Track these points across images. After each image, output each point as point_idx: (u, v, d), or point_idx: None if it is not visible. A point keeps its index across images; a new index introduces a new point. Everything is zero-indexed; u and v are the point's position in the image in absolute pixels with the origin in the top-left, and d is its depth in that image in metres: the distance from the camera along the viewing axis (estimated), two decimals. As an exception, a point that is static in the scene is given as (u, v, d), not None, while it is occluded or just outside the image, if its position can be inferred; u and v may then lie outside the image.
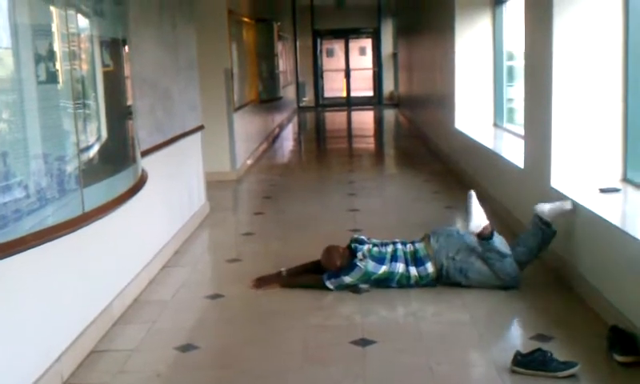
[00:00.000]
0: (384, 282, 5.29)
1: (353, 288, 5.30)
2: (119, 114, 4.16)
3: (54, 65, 3.22)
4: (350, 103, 27.76)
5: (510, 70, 9.51)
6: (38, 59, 3.07)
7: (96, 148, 3.69)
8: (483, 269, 5.13)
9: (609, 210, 4.83)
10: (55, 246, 3.41)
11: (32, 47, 3.03)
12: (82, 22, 3.60)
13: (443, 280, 5.23)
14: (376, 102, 27.42)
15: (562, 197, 5.40)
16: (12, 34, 2.89)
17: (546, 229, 5.22)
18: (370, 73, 29.25)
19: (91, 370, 4.19)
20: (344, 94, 29.30)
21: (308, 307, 5.06)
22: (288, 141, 17.18)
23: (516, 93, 9.05)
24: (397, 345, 4.41)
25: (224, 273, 6.16)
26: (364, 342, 4.41)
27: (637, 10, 5.26)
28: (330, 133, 19.89)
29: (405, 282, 5.26)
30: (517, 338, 4.52)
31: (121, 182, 4.02)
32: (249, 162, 12.10)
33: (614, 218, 4.65)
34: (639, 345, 3.96)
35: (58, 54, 3.24)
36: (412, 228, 6.60)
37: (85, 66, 3.57)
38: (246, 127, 12.27)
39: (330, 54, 33.66)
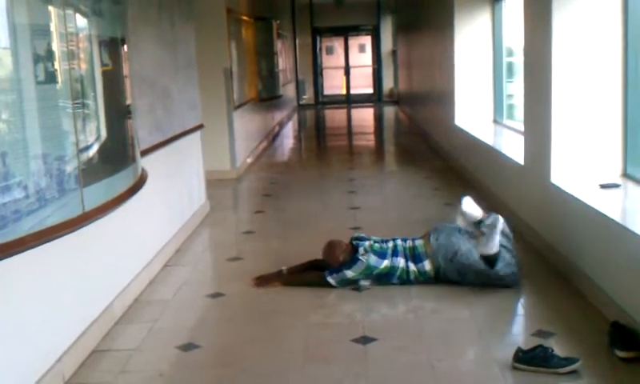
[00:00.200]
0: (385, 278, 5.29)
1: (354, 285, 5.30)
2: (118, 113, 4.16)
3: (53, 65, 3.21)
4: (349, 101, 27.75)
5: (510, 66, 9.50)
6: (37, 59, 3.06)
7: (95, 147, 3.68)
8: (481, 269, 5.11)
9: (609, 205, 4.83)
10: (55, 246, 3.41)
11: (30, 47, 3.02)
12: (81, 21, 3.59)
13: (441, 278, 5.23)
14: (376, 99, 27.40)
15: (562, 192, 5.40)
16: (10, 34, 2.88)
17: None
18: (370, 70, 29.23)
19: (93, 369, 4.19)
20: (344, 92, 29.28)
21: (309, 305, 5.07)
22: (288, 139, 17.18)
23: (516, 89, 9.04)
24: (398, 342, 4.41)
25: (225, 271, 6.16)
26: (365, 340, 4.41)
27: (636, 5, 5.26)
28: (330, 130, 19.88)
29: (405, 278, 5.26)
30: (518, 334, 4.52)
31: (120, 181, 4.01)
32: (249, 160, 12.10)
33: (615, 214, 4.65)
34: (640, 340, 3.97)
35: (57, 54, 3.24)
36: (413, 225, 6.61)
37: (84, 66, 3.57)
38: (246, 125, 12.27)
39: (330, 51, 33.65)
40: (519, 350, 3.93)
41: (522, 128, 6.98)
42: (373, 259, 5.27)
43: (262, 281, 5.48)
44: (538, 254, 5.87)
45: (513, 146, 7.58)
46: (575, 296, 4.93)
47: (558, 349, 3.99)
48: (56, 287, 4.06)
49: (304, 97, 27.08)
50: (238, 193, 10.11)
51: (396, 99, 24.96)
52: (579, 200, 5.08)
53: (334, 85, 30.52)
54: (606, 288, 4.59)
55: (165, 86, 6.66)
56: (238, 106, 11.29)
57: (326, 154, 14.90)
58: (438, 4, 11.87)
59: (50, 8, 3.24)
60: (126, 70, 4.31)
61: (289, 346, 4.42)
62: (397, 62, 24.96)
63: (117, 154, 4.09)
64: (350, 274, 5.27)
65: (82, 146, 3.46)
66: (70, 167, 3.31)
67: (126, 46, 4.34)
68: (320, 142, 17.41)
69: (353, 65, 29.60)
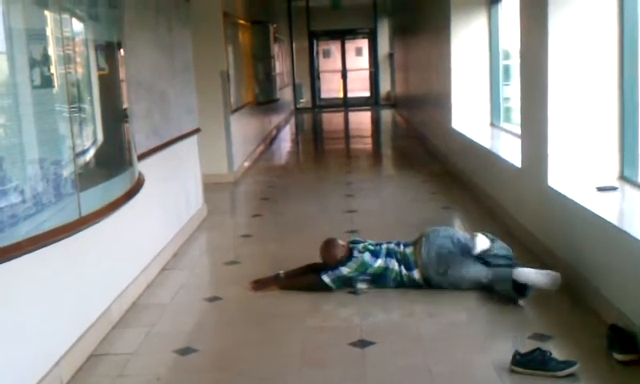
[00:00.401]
0: (380, 279, 5.29)
1: (350, 286, 5.30)
2: (115, 117, 4.15)
3: (49, 69, 3.20)
4: (346, 104, 27.76)
5: (507, 69, 9.51)
6: (33, 63, 3.06)
7: (92, 152, 3.68)
8: (474, 279, 5.10)
9: (606, 208, 4.83)
10: (52, 251, 3.40)
11: (27, 51, 3.02)
12: (77, 25, 3.58)
13: (434, 287, 5.21)
14: (373, 102, 27.42)
15: (559, 195, 5.40)
16: (6, 39, 2.88)
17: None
18: (367, 73, 29.25)
19: (90, 374, 4.18)
20: (341, 95, 29.30)
21: (306, 309, 5.06)
22: (285, 142, 17.18)
23: (512, 92, 9.05)
24: (395, 346, 4.41)
25: (222, 275, 6.16)
26: (363, 344, 4.41)
27: (632, 8, 5.26)
28: (328, 134, 19.89)
29: (400, 280, 5.26)
30: (515, 337, 4.52)
31: (117, 185, 4.00)
32: (246, 164, 12.10)
33: (612, 217, 4.65)
34: (638, 343, 3.96)
35: (53, 58, 3.23)
36: (410, 229, 6.60)
37: (80, 70, 3.56)
38: (243, 129, 12.27)
39: (327, 55, 33.65)
40: (517, 353, 3.93)
41: (518, 131, 6.98)
42: (367, 256, 5.29)
43: (260, 284, 5.47)
44: (535, 256, 5.87)
45: (510, 149, 7.58)
46: (573, 299, 4.93)
47: (556, 352, 3.98)
48: (53, 291, 4.06)
49: (301, 100, 27.08)
50: (235, 196, 10.11)
51: (393, 102, 24.97)
52: (576, 203, 5.08)
53: (331, 88, 30.53)
54: (604, 291, 4.59)
55: (162, 89, 6.66)
56: (235, 110, 11.28)
57: (324, 157, 14.91)
58: (434, 7, 11.88)
59: (46, 12, 3.23)
60: (122, 74, 4.31)
61: (286, 349, 4.42)
62: (394, 66, 24.97)
63: (113, 158, 4.08)
64: (345, 270, 5.26)
65: (78, 150, 3.45)
66: (67, 172, 3.31)
67: (122, 50, 4.34)
68: (317, 145, 17.41)
69: (350, 68, 29.66)
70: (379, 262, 5.28)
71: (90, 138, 3.68)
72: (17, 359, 3.61)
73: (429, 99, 13.53)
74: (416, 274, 5.23)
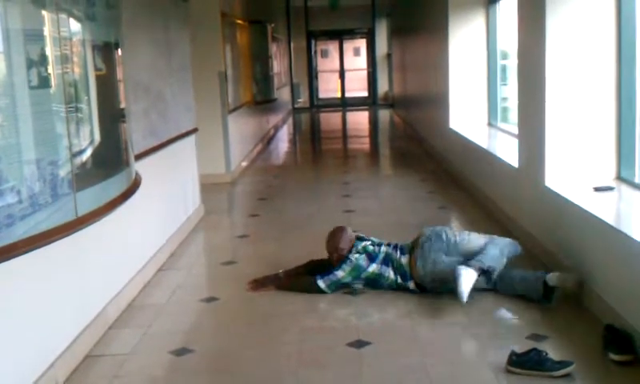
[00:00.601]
0: (374, 284, 5.29)
1: (348, 288, 5.30)
2: (112, 117, 4.15)
3: (46, 69, 3.20)
4: (344, 104, 27.78)
5: (504, 69, 9.51)
6: (30, 64, 3.06)
7: (89, 152, 3.68)
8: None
9: (603, 208, 4.84)
10: (48, 251, 3.39)
11: (24, 51, 3.02)
12: (74, 26, 3.58)
13: (431, 291, 5.21)
14: (371, 102, 27.44)
15: (556, 195, 5.41)
16: (4, 39, 2.88)
17: (541, 293, 4.89)
18: (365, 73, 29.28)
19: (86, 374, 4.18)
20: (339, 95, 29.32)
21: (303, 309, 5.06)
22: (283, 142, 17.17)
23: (510, 92, 9.06)
24: (392, 346, 4.41)
25: (219, 275, 6.16)
26: (360, 344, 4.41)
27: (629, 9, 5.27)
28: (325, 134, 19.89)
29: (395, 287, 5.26)
30: (512, 337, 4.52)
31: (114, 185, 4.01)
32: (244, 163, 12.10)
33: (609, 217, 4.66)
34: (634, 343, 3.97)
35: (50, 58, 3.23)
36: (407, 228, 6.60)
37: (77, 70, 3.56)
38: (241, 129, 12.27)
39: (325, 54, 33.70)
40: (513, 354, 3.93)
41: (516, 131, 6.98)
42: (362, 259, 5.27)
43: (257, 285, 5.47)
44: (532, 256, 5.88)
45: (507, 149, 7.59)
46: (569, 299, 4.93)
47: (552, 352, 3.99)
48: (49, 292, 4.05)
49: (299, 100, 27.08)
50: (232, 196, 10.11)
51: (391, 102, 24.98)
52: (573, 203, 5.09)
53: (328, 88, 30.55)
54: (600, 291, 4.59)
55: (159, 89, 6.66)
56: (233, 110, 11.28)
57: (321, 157, 14.91)
58: (432, 7, 11.88)
59: (44, 12, 3.23)
60: (120, 74, 4.31)
61: (283, 350, 4.42)
62: (391, 66, 24.98)
63: (110, 158, 4.08)
64: (340, 274, 5.26)
65: (75, 150, 3.45)
66: (64, 172, 3.31)
67: (120, 50, 4.34)
68: (315, 145, 17.41)
69: (348, 68, 29.68)
70: (373, 267, 5.27)
71: (87, 138, 3.68)
72: (12, 360, 3.61)
73: (426, 99, 13.54)
74: (411, 285, 5.21)
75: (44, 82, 3.21)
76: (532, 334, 4.41)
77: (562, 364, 3.85)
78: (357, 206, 8.56)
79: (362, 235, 5.59)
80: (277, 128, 18.62)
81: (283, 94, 21.32)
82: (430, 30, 12.41)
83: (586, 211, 4.85)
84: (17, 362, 3.64)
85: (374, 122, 21.99)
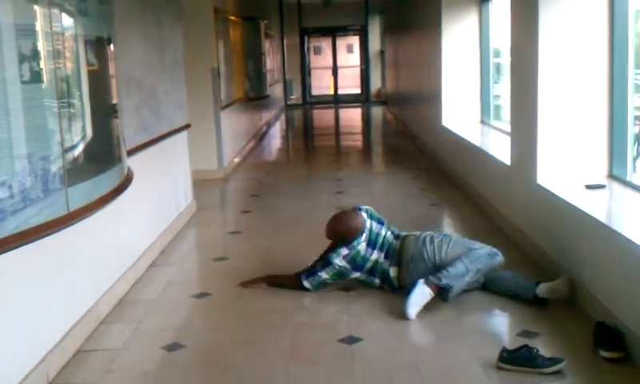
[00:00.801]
0: (361, 283, 5.29)
1: (342, 282, 5.29)
2: (104, 112, 4.14)
3: (38, 64, 3.19)
4: (337, 101, 27.77)
5: (497, 67, 9.53)
6: (22, 58, 3.05)
7: (81, 147, 3.67)
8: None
9: (595, 206, 4.85)
10: (40, 246, 3.39)
11: (16, 46, 3.01)
12: (67, 20, 3.57)
13: None
14: (363, 99, 27.43)
15: (548, 193, 5.42)
16: (-5, 33, 2.87)
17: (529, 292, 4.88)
18: (358, 70, 29.25)
19: (77, 369, 4.17)
20: (332, 92, 29.29)
21: (295, 306, 5.06)
22: (276, 139, 17.16)
23: (503, 90, 9.07)
24: (383, 343, 4.42)
25: (211, 271, 6.15)
26: (351, 340, 4.42)
27: (622, 6, 5.28)
28: (318, 131, 19.89)
29: (379, 288, 5.26)
30: (503, 334, 4.53)
31: (106, 181, 3.99)
32: (236, 160, 12.09)
33: (600, 215, 4.67)
34: (625, 341, 3.98)
35: (42, 53, 3.22)
36: (399, 225, 6.57)
37: (69, 65, 3.55)
38: (233, 125, 12.26)
39: (318, 51, 33.62)
40: (504, 350, 3.94)
41: (508, 129, 6.99)
42: (347, 268, 5.21)
43: (247, 281, 5.46)
44: (523, 253, 5.89)
45: (499, 147, 7.60)
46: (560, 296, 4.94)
47: (543, 349, 4.00)
48: (40, 287, 4.05)
49: (292, 97, 27.05)
50: (224, 193, 10.10)
51: (384, 100, 24.97)
52: (565, 201, 5.10)
53: (321, 85, 30.50)
54: (591, 288, 4.61)
55: (152, 85, 6.65)
56: (226, 106, 11.27)
57: (314, 154, 14.91)
58: (425, 5, 11.89)
59: (36, 7, 3.22)
60: (112, 70, 4.30)
61: (275, 345, 4.42)
62: (384, 63, 24.98)
63: (102, 153, 4.07)
64: (324, 275, 5.24)
65: (67, 145, 3.44)
66: (55, 167, 3.30)
67: (112, 46, 4.33)
68: (308, 142, 17.41)
69: (340, 65, 29.64)
70: (357, 275, 5.24)
71: (79, 134, 3.67)
72: (3, 355, 3.60)
73: (419, 96, 13.55)
74: (395, 283, 5.22)
75: (36, 77, 3.20)
76: (523, 331, 4.42)
77: (553, 361, 3.86)
78: (349, 202, 8.50)
79: (372, 212, 5.52)
80: (269, 125, 18.61)
81: (276, 91, 21.30)
82: (423, 28, 12.42)
83: (577, 209, 4.87)
84: (7, 357, 3.64)
85: (366, 119, 22.00)
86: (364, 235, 5.25)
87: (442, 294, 4.81)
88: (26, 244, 3.06)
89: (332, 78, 29.18)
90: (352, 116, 23.24)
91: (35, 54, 3.16)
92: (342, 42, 32.07)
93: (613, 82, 5.43)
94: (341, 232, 5.30)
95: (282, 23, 25.09)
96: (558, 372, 3.82)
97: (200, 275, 6.28)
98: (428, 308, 4.83)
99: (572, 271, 4.91)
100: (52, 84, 3.32)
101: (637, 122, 5.56)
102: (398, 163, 11.95)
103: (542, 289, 4.80)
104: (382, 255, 5.25)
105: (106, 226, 5.02)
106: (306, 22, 27.11)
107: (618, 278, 4.24)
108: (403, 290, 5.04)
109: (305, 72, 27.87)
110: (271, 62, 19.13)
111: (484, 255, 5.02)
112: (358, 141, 17.31)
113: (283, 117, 22.70)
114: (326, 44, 32.07)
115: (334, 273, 5.23)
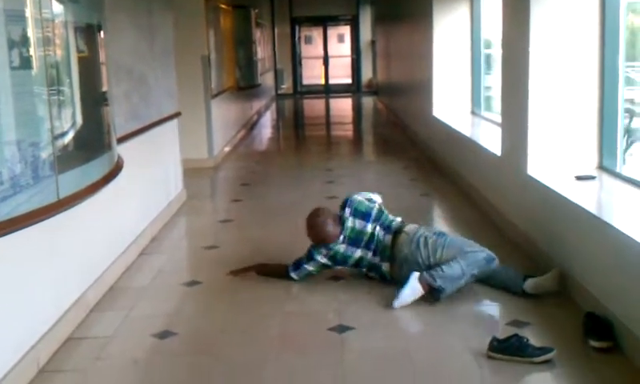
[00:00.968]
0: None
1: (331, 270, 5.30)
2: (94, 100, 4.13)
3: (28, 50, 3.18)
4: (328, 90, 27.72)
5: (488, 58, 9.53)
6: (12, 45, 3.03)
7: (71, 134, 3.66)
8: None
9: (585, 197, 4.86)
10: (29, 233, 3.38)
11: (5, 32, 2.99)
12: (56, 7, 3.56)
13: None
14: (354, 89, 27.38)
15: (538, 184, 5.43)
16: (-15, 19, 2.86)
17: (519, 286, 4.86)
18: (349, 60, 29.18)
19: (68, 356, 4.17)
20: (322, 82, 29.23)
21: (286, 294, 5.07)
22: (266, 128, 17.14)
23: (493, 81, 9.07)
24: (374, 332, 4.43)
25: (201, 260, 6.15)
26: (341, 329, 4.42)
27: (613, -2, 5.30)
28: (309, 120, 19.86)
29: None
30: (493, 323, 4.54)
31: (96, 168, 3.99)
32: (226, 149, 12.06)
33: (590, 206, 4.68)
34: (614, 331, 4.00)
35: (32, 40, 3.21)
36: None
37: (59, 52, 3.54)
38: (224, 114, 12.23)
39: (309, 41, 33.56)
40: (494, 339, 3.95)
41: (499, 120, 7.00)
42: (329, 263, 5.20)
43: (238, 270, 5.46)
44: (514, 244, 5.91)
45: (490, 138, 7.60)
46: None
47: (533, 338, 4.02)
48: (30, 274, 4.03)
49: (282, 86, 27.00)
50: (215, 182, 10.08)
51: (375, 90, 24.94)
52: (555, 192, 5.11)
53: (312, 75, 30.42)
54: (581, 279, 4.62)
55: (142, 73, 6.62)
56: (216, 95, 11.24)
57: (305, 143, 14.90)
58: (417, -5, 11.87)
59: (25, -7, 3.21)
60: (102, 57, 4.29)
61: (265, 334, 4.42)
62: (375, 53, 24.95)
63: (92, 141, 4.06)
64: (309, 268, 5.23)
65: (57, 132, 3.43)
66: (45, 154, 3.29)
67: (102, 33, 4.31)
68: (298, 131, 17.39)
69: (332, 55, 29.56)
70: (340, 267, 5.27)
71: (69, 121, 3.66)
72: (-7, 342, 3.60)
73: (410, 87, 13.54)
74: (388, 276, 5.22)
75: (25, 64, 3.18)
76: (513, 321, 4.44)
77: (543, 350, 3.87)
78: (340, 192, 8.51)
79: (362, 200, 5.36)
80: (260, 114, 18.57)
81: (267, 80, 21.27)
82: (415, 18, 12.40)
83: (567, 200, 4.88)
84: (-3, 345, 3.63)
85: (357, 109, 21.99)
86: (341, 237, 5.19)
87: (433, 294, 4.77)
88: (15, 231, 3.06)
89: (323, 68, 29.11)
90: (343, 106, 23.22)
91: (25, 41, 3.15)
92: (333, 32, 32.00)
93: (603, 73, 5.44)
94: (315, 239, 5.27)
95: (273, 12, 25.01)
96: (547, 361, 3.84)
97: (190, 263, 6.27)
98: (417, 299, 4.83)
99: (562, 261, 4.93)
100: (42, 70, 3.30)
101: (627, 113, 5.58)
102: (389, 153, 11.95)
103: (529, 284, 4.81)
104: (369, 253, 5.17)
105: (97, 213, 5.00)
106: (297, 11, 27.03)
107: (607, 269, 4.25)
108: (394, 280, 5.04)
109: (296, 61, 27.80)
110: (262, 51, 19.08)
111: (481, 260, 4.88)
112: (348, 131, 17.30)
113: (274, 106, 22.66)
114: (317, 33, 32.00)
115: (318, 266, 5.23)
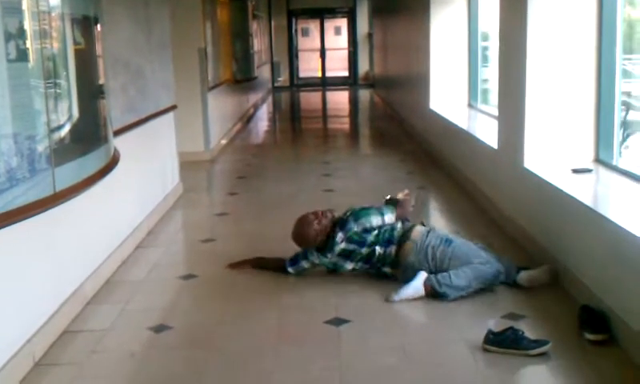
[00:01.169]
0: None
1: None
2: (91, 92, 4.12)
3: (25, 43, 3.17)
4: (325, 83, 27.71)
5: (485, 50, 9.52)
6: (8, 37, 3.02)
7: (67, 127, 3.65)
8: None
9: (581, 190, 4.87)
10: (26, 226, 3.38)
11: (2, 25, 2.98)
12: (53, -1, 3.55)
13: None
14: (351, 82, 27.38)
15: (534, 177, 5.43)
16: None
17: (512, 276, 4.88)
18: (346, 53, 29.17)
19: (64, 350, 4.17)
20: (319, 74, 29.22)
21: (282, 287, 5.07)
22: (263, 121, 17.13)
23: (491, 74, 9.07)
24: (371, 324, 4.43)
25: (198, 253, 6.15)
26: (338, 322, 4.42)
27: (610, -9, 5.29)
28: (305, 113, 19.85)
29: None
30: (489, 316, 4.55)
31: (93, 161, 3.98)
32: (223, 142, 12.05)
33: (586, 199, 4.69)
34: (609, 323, 4.01)
35: (29, 32, 3.20)
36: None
37: (56, 44, 3.53)
38: (220, 107, 12.21)
39: (305, 33, 33.52)
40: (490, 332, 3.96)
41: (496, 112, 7.01)
42: (326, 262, 5.18)
43: (236, 263, 5.46)
44: (510, 237, 5.92)
45: (487, 131, 7.60)
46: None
47: (529, 331, 4.02)
48: (26, 268, 4.03)
49: (279, 79, 26.99)
50: (211, 175, 10.08)
51: (371, 82, 24.94)
52: (552, 184, 5.12)
53: (309, 67, 30.41)
54: (576, 272, 4.63)
55: (138, 65, 6.61)
56: (213, 88, 11.23)
57: (301, 136, 14.89)
58: (413, -13, 11.86)
59: (22, -15, 3.20)
60: (99, 50, 4.27)
61: (262, 327, 4.42)
62: (372, 45, 24.94)
63: (89, 134, 4.06)
64: (305, 265, 5.23)
65: (53, 125, 3.43)
66: (42, 147, 3.28)
67: (99, 25, 4.30)
68: (295, 124, 17.38)
69: (328, 47, 29.55)
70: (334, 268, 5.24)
71: (66, 114, 3.65)
72: (-10, 335, 3.59)
73: (407, 80, 13.54)
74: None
75: (22, 56, 3.18)
76: (509, 313, 4.45)
77: (538, 343, 3.88)
78: (337, 185, 8.57)
79: (353, 216, 5.27)
80: (256, 107, 18.55)
81: (263, 73, 21.24)
82: (412, 10, 12.39)
83: (564, 193, 4.88)
84: (-7, 338, 3.63)
85: (354, 102, 21.98)
86: (329, 255, 5.15)
87: (435, 297, 4.76)
88: (11, 224, 3.05)
89: (319, 61, 29.09)
90: (339, 99, 23.20)
91: (21, 33, 3.14)
92: (329, 24, 31.98)
93: (601, 66, 5.44)
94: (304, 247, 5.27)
95: (270, 4, 24.97)
96: (543, 354, 3.84)
97: (187, 256, 6.27)
98: (414, 290, 4.84)
99: (557, 254, 4.94)
100: (38, 63, 3.30)
101: (623, 106, 5.58)
102: (386, 146, 11.95)
103: (523, 277, 4.82)
104: (367, 266, 5.14)
105: (93, 206, 5.00)
106: (293, 3, 27.00)
107: (603, 262, 4.26)
108: (395, 278, 5.01)
109: (292, 54, 27.79)
110: (259, 44, 19.06)
111: (490, 277, 4.79)
112: (345, 124, 17.30)
113: (270, 99, 22.65)
114: (313, 26, 31.98)
115: (312, 264, 5.23)
